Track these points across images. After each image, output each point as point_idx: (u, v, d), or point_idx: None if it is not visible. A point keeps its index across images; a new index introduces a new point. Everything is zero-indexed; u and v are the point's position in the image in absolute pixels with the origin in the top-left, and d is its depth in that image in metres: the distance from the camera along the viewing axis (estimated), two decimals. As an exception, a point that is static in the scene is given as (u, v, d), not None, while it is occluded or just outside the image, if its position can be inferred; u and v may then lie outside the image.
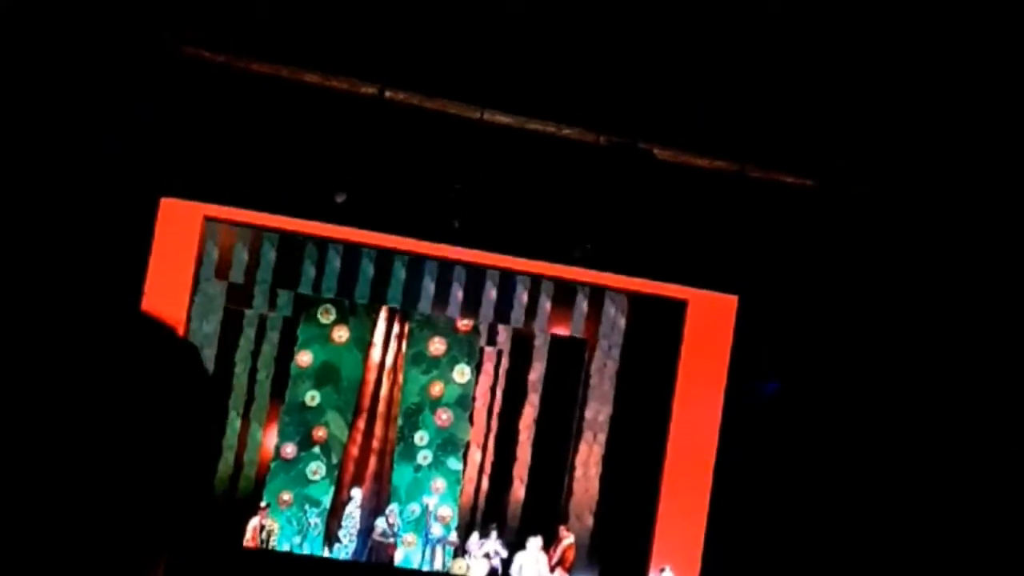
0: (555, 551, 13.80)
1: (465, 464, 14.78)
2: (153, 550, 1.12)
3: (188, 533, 1.15)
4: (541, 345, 14.81)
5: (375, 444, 14.61)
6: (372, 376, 14.60)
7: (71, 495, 1.05)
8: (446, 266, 13.51)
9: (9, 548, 1.04)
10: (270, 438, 14.40)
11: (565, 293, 14.02)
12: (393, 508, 13.96)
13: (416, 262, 13.46)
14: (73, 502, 1.05)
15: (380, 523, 13.81)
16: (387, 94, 10.69)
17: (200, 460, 1.15)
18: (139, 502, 1.09)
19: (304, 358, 14.39)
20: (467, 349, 14.74)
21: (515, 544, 13.95)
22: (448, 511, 14.54)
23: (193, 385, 1.15)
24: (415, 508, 14.44)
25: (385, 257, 13.41)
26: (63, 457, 1.05)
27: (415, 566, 14.12)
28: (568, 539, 13.82)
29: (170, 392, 1.12)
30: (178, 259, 12.08)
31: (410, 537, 14.23)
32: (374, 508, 14.20)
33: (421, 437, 14.61)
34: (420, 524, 14.33)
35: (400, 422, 14.63)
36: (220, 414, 1.17)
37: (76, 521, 1.06)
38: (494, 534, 13.94)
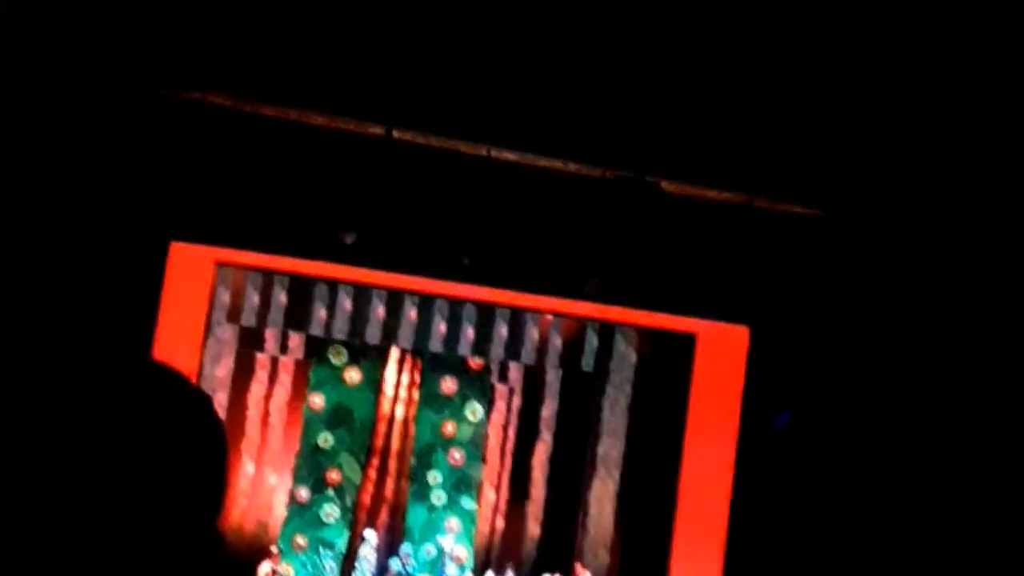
0: (572, 589, 13.72)
1: (479, 503, 14.73)
2: None
3: None
4: (553, 381, 14.79)
5: (388, 485, 14.56)
6: (385, 417, 14.58)
7: (79, 542, 1.05)
8: (456, 304, 13.52)
9: None
10: (284, 482, 14.37)
11: (575, 329, 14.02)
12: (407, 549, 13.90)
13: (426, 301, 13.48)
14: (82, 549, 1.06)
15: (394, 564, 13.74)
16: (394, 134, 10.75)
17: (211, 507, 1.17)
18: (150, 550, 1.10)
19: (317, 400, 14.38)
20: (479, 387, 14.72)
21: (531, 583, 13.88)
22: (463, 551, 14.47)
23: (206, 434, 1.17)
24: (430, 549, 14.37)
25: (395, 297, 13.43)
26: (73, 504, 1.05)
27: (431, 607, 14.05)
28: (584, 576, 13.75)
29: (183, 441, 1.14)
30: (189, 303, 12.11)
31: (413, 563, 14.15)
32: (388, 549, 14.14)
33: (434, 477, 14.56)
34: (436, 565, 14.25)
35: (413, 462, 14.59)
36: (230, 461, 1.15)
37: (87, 569, 1.06)
38: (510, 573, 13.86)
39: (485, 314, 13.71)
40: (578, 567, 13.83)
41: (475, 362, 14.60)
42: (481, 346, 14.01)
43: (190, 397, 1.18)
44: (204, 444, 1.17)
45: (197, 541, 1.14)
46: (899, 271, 11.39)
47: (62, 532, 1.04)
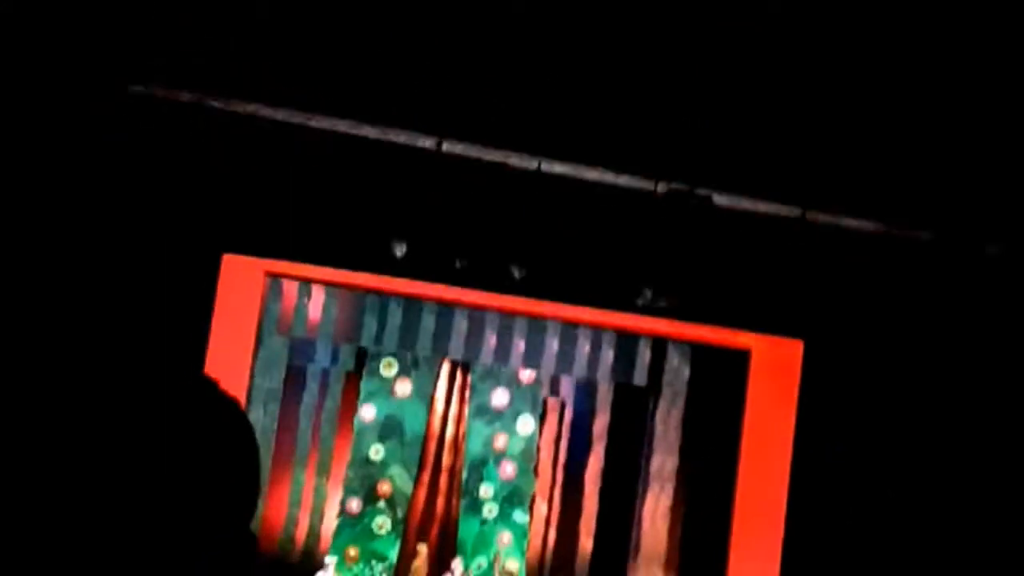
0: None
1: (531, 517, 14.67)
2: None
3: None
4: (605, 395, 14.70)
5: (440, 498, 14.54)
6: (436, 429, 14.57)
7: (113, 543, 1.07)
8: (507, 317, 13.48)
9: None
10: (335, 493, 14.40)
11: (627, 342, 13.93)
12: (458, 561, 13.87)
13: (477, 314, 13.46)
14: (116, 550, 1.07)
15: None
16: (444, 147, 10.73)
17: (242, 510, 1.17)
18: (180, 550, 1.10)
19: (367, 412, 14.40)
20: (530, 400, 14.67)
21: (582, 598, 13.80)
22: (515, 564, 14.42)
23: (235, 436, 1.18)
24: (482, 563, 14.34)
25: (446, 309, 13.42)
26: (105, 506, 1.07)
27: (482, 621, 14.01)
28: (636, 592, 13.64)
29: (213, 445, 1.15)
30: (240, 315, 12.17)
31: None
32: (440, 562, 14.11)
33: (486, 490, 14.53)
34: (487, 577, 14.23)
35: (465, 475, 14.56)
36: (257, 467, 1.17)
37: (120, 570, 1.07)
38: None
39: (536, 327, 13.66)
40: (630, 582, 13.73)
41: (526, 375, 14.56)
42: (532, 359, 13.95)
43: (217, 400, 1.19)
44: (233, 447, 1.18)
45: (229, 542, 1.14)
46: (955, 288, 11.20)
47: (96, 532, 1.07)
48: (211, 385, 1.18)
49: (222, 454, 1.15)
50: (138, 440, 1.09)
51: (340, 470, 14.40)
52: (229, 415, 1.18)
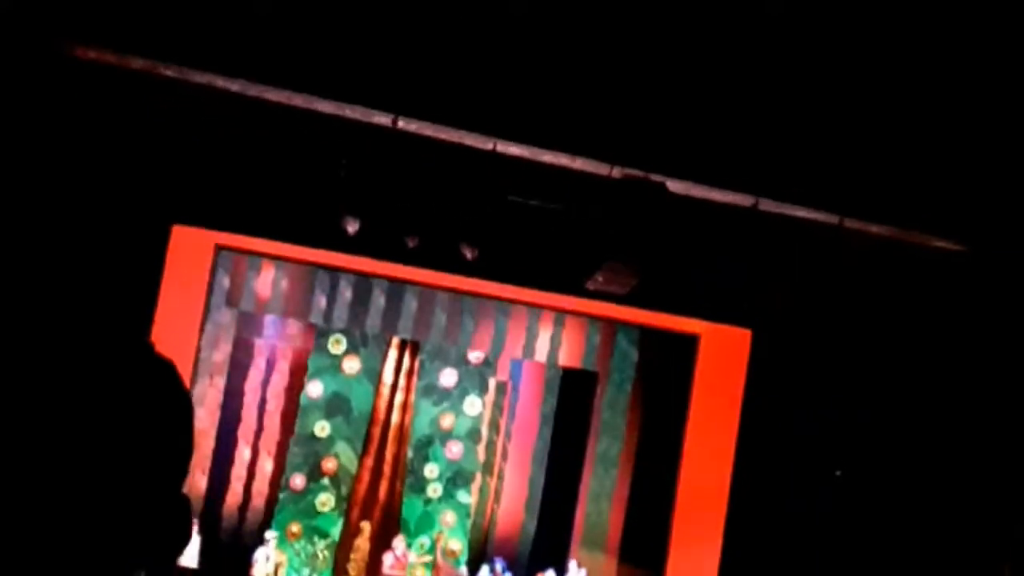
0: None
1: (475, 497, 14.69)
2: (125, 565, 1.13)
3: (163, 551, 1.16)
4: (552, 378, 14.73)
5: (385, 476, 14.52)
6: (383, 407, 14.53)
7: (43, 509, 1.07)
8: (457, 298, 13.46)
9: None
10: (279, 469, 14.33)
11: (577, 326, 13.95)
12: (400, 539, 13.85)
13: (428, 293, 13.42)
14: (46, 515, 1.07)
15: (388, 558, 13.70)
16: (400, 124, 10.65)
17: (174, 471, 1.17)
18: (107, 514, 1.10)
19: (315, 388, 14.33)
20: (478, 381, 14.67)
21: (524, 579, 13.85)
22: (458, 544, 14.44)
23: (165, 399, 1.17)
24: (424, 541, 14.34)
25: (396, 288, 13.36)
26: (36, 466, 1.07)
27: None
28: (580, 573, 13.69)
29: (146, 406, 1.14)
30: (189, 287, 12.05)
31: (419, 571, 14.11)
32: (383, 541, 14.09)
33: (431, 470, 14.53)
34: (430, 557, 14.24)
35: (410, 454, 14.55)
36: (189, 430, 1.20)
37: (50, 537, 1.07)
38: (499, 565, 13.84)
39: (486, 308, 13.64)
40: (573, 564, 13.78)
41: (475, 356, 14.55)
42: (481, 340, 13.94)
43: (152, 361, 1.18)
44: (164, 407, 1.17)
45: (161, 503, 1.15)
46: (902, 278, 11.31)
47: (24, 492, 1.07)
48: (145, 346, 1.18)
49: (153, 414, 1.14)
50: (68, 399, 1.09)
51: (285, 446, 14.34)
52: (161, 375, 1.17)
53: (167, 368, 1.19)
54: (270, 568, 13.37)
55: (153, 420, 1.14)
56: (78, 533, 1.08)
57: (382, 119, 10.63)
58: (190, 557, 12.81)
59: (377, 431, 14.53)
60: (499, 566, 13.81)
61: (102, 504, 1.09)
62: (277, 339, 14.36)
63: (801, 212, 10.94)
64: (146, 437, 1.13)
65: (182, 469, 1.18)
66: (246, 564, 13.26)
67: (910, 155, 10.14)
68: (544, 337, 13.92)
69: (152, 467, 1.14)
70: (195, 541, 12.92)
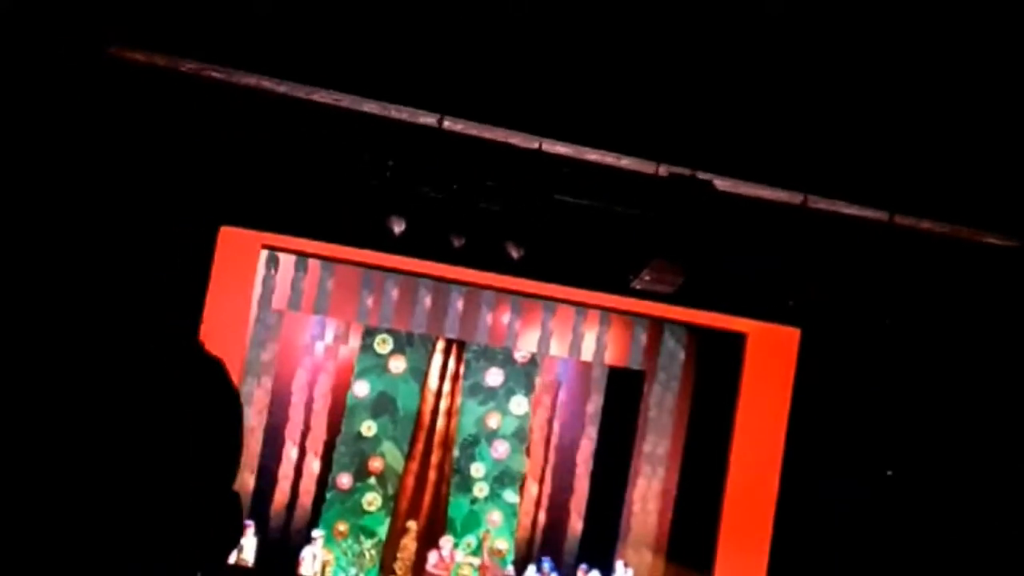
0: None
1: (522, 497, 14.69)
2: (182, 565, 1.14)
3: (215, 549, 1.16)
4: (599, 377, 14.69)
5: (431, 475, 14.54)
6: (429, 407, 14.56)
7: (96, 508, 1.07)
8: (504, 297, 13.45)
9: (27, 554, 1.06)
10: (326, 469, 14.39)
11: (624, 325, 13.91)
12: (447, 539, 13.87)
13: (474, 293, 13.42)
14: (98, 514, 1.07)
15: (432, 556, 13.71)
16: (446, 124, 10.66)
17: (221, 473, 1.17)
18: (159, 513, 1.10)
19: (361, 388, 14.38)
20: (524, 380, 14.66)
21: (571, 579, 13.83)
22: (504, 544, 14.44)
23: (215, 397, 1.17)
24: (471, 541, 14.35)
25: (442, 287, 13.37)
26: (72, 469, 1.07)
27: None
28: (626, 574, 13.65)
29: (191, 404, 1.14)
30: (237, 288, 12.11)
31: (466, 570, 14.12)
32: (430, 540, 14.11)
33: (477, 469, 14.54)
34: (476, 556, 14.24)
35: (456, 453, 14.57)
36: (241, 431, 1.20)
37: (103, 536, 1.08)
38: (547, 565, 13.83)
39: (532, 307, 13.63)
40: (620, 564, 13.74)
41: (521, 355, 14.55)
42: (527, 339, 13.93)
43: (202, 359, 1.18)
44: (217, 406, 1.17)
45: (212, 501, 1.15)
46: (958, 277, 11.18)
47: (77, 490, 1.07)
48: (195, 345, 1.18)
49: (203, 412, 1.14)
50: (120, 398, 1.10)
51: (331, 445, 14.40)
52: (211, 373, 1.17)
53: (217, 366, 1.19)
54: (317, 567, 13.43)
55: (204, 418, 1.15)
56: (131, 532, 1.08)
57: (428, 119, 10.65)
58: (247, 556, 12.93)
59: (423, 431, 14.55)
60: (547, 565, 13.80)
61: (155, 502, 1.10)
62: (324, 339, 14.42)
63: (850, 209, 10.84)
64: (197, 435, 1.14)
65: (233, 467, 1.18)
66: (293, 563, 13.33)
67: (961, 150, 10.03)
68: (590, 336, 13.88)
69: (203, 465, 1.14)
70: (251, 541, 13.03)
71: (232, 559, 12.77)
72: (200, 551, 1.14)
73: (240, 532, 1.20)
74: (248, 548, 13.02)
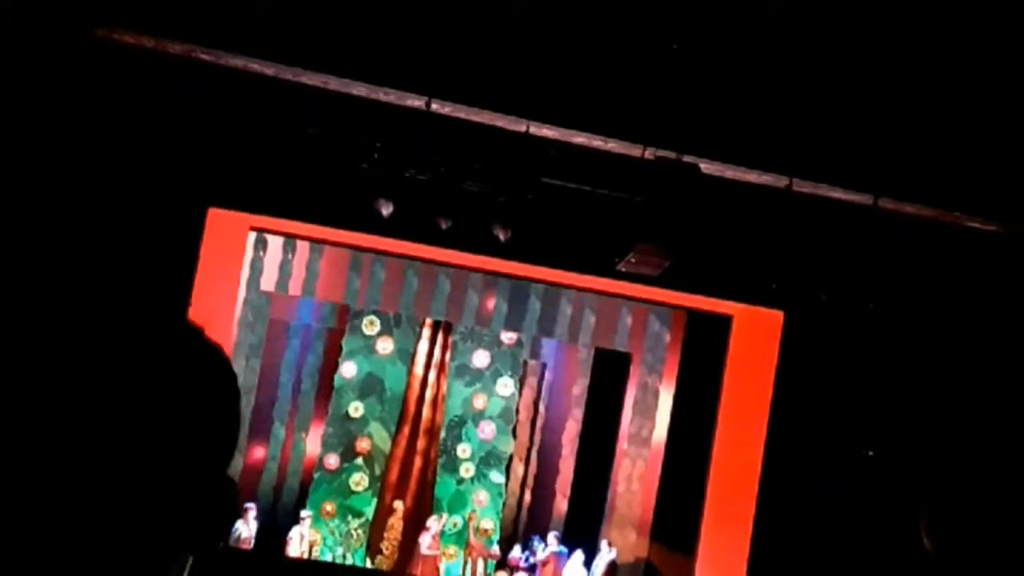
0: (597, 566, 13.74)
1: (508, 477, 14.78)
2: (176, 548, 1.15)
3: (210, 533, 1.17)
4: (585, 359, 14.77)
5: (418, 456, 14.62)
6: (416, 388, 14.63)
7: (90, 489, 1.08)
8: (490, 279, 13.50)
9: (28, 545, 1.07)
10: (314, 449, 14.46)
11: (609, 307, 13.98)
12: (435, 519, 13.94)
13: (460, 275, 13.47)
14: (93, 496, 1.08)
15: (425, 539, 13.78)
16: (433, 106, 10.69)
17: (217, 457, 1.18)
18: (155, 496, 1.11)
19: (348, 369, 14.44)
20: (511, 362, 14.74)
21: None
22: (490, 524, 14.53)
23: (213, 381, 1.19)
24: (457, 521, 14.44)
25: (429, 269, 13.42)
26: (67, 452, 1.08)
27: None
28: (610, 554, 13.76)
29: (189, 388, 1.15)
30: (224, 269, 12.13)
31: (451, 549, 14.22)
32: (417, 520, 14.20)
33: (464, 450, 14.63)
34: (462, 536, 14.33)
35: (443, 434, 14.65)
36: (238, 414, 1.22)
37: (97, 518, 1.08)
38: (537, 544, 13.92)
39: (519, 289, 13.69)
40: (604, 544, 13.85)
41: (508, 337, 14.62)
42: (514, 321, 13.99)
43: (199, 344, 1.19)
44: (213, 390, 1.18)
45: (208, 485, 1.16)
46: (938, 263, 11.26)
47: (76, 473, 1.08)
48: (194, 331, 1.19)
49: (200, 397, 1.15)
50: (119, 382, 1.11)
51: (319, 426, 14.47)
52: (210, 359, 1.19)
53: (215, 351, 1.20)
54: (304, 547, 13.51)
55: (200, 402, 1.16)
56: (126, 515, 1.10)
57: (416, 102, 10.67)
58: (248, 540, 13.01)
59: (410, 411, 14.63)
60: (536, 544, 13.90)
61: (149, 485, 1.10)
62: (311, 320, 14.48)
63: (835, 193, 10.91)
64: (193, 419, 1.14)
65: (228, 451, 1.19)
66: (281, 543, 13.40)
67: (945, 134, 10.10)
68: (576, 318, 13.96)
69: (198, 448, 1.15)
70: (252, 525, 13.11)
71: (232, 541, 12.87)
72: (194, 534, 1.16)
73: (235, 516, 1.21)
74: (247, 530, 13.09)
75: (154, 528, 1.12)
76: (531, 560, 13.81)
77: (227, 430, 1.18)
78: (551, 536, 13.96)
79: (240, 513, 12.93)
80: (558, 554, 13.76)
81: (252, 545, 13.05)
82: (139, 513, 1.10)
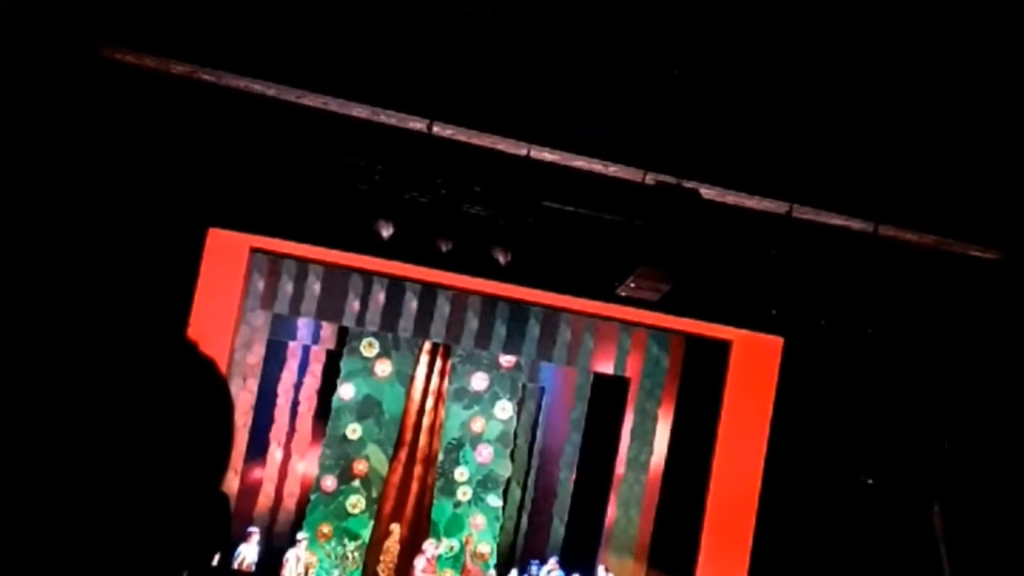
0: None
1: (505, 501, 14.73)
2: (169, 564, 1.14)
3: (202, 550, 1.17)
4: (583, 383, 14.75)
5: (415, 479, 14.58)
6: (414, 410, 14.60)
7: (84, 505, 1.07)
8: (489, 302, 13.50)
9: (23, 557, 1.07)
10: (311, 470, 14.42)
11: (608, 331, 13.97)
12: (431, 543, 13.89)
13: (460, 297, 13.47)
14: (87, 512, 1.08)
15: (419, 562, 13.74)
16: (435, 129, 10.71)
17: (210, 474, 1.17)
18: (148, 513, 1.11)
19: (346, 391, 14.41)
20: (509, 385, 14.72)
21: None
22: (487, 548, 14.48)
23: (206, 399, 1.18)
24: (454, 545, 14.39)
25: (429, 292, 13.42)
26: (62, 465, 1.08)
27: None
28: (607, 580, 13.72)
29: (183, 404, 1.15)
30: (224, 289, 12.14)
31: (448, 573, 14.16)
32: (413, 543, 14.15)
33: (461, 473, 14.58)
34: (459, 560, 14.27)
35: (441, 457, 14.61)
36: (231, 430, 1.21)
37: (90, 534, 1.08)
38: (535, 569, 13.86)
39: (518, 313, 13.68)
40: (601, 569, 13.80)
41: (507, 360, 14.59)
42: (513, 344, 13.98)
43: (195, 360, 1.19)
44: (208, 407, 1.18)
45: (201, 502, 1.16)
46: (943, 289, 11.26)
47: (70, 484, 1.08)
48: (189, 346, 1.19)
49: (194, 413, 1.15)
50: (115, 398, 1.10)
51: (316, 448, 14.43)
52: (205, 375, 1.19)
53: (210, 368, 1.20)
54: (300, 569, 13.45)
55: (194, 418, 1.16)
56: (119, 532, 1.09)
57: (417, 124, 10.69)
58: (250, 562, 13.01)
59: (408, 434, 14.59)
60: (534, 569, 13.85)
61: (143, 501, 1.10)
62: (310, 342, 14.46)
63: (835, 219, 10.92)
64: (187, 435, 1.14)
65: (222, 468, 1.19)
66: (277, 565, 13.35)
67: (946, 162, 10.12)
68: (575, 342, 13.95)
69: (192, 464, 1.15)
70: (254, 546, 13.09)
71: (235, 564, 12.86)
72: (187, 550, 1.15)
73: (228, 533, 1.21)
74: (251, 553, 13.09)
75: (148, 542, 1.11)
76: None
77: (220, 447, 1.18)
78: (552, 561, 13.91)
79: (242, 534, 12.95)
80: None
81: (254, 568, 13.03)
82: (133, 526, 1.10)
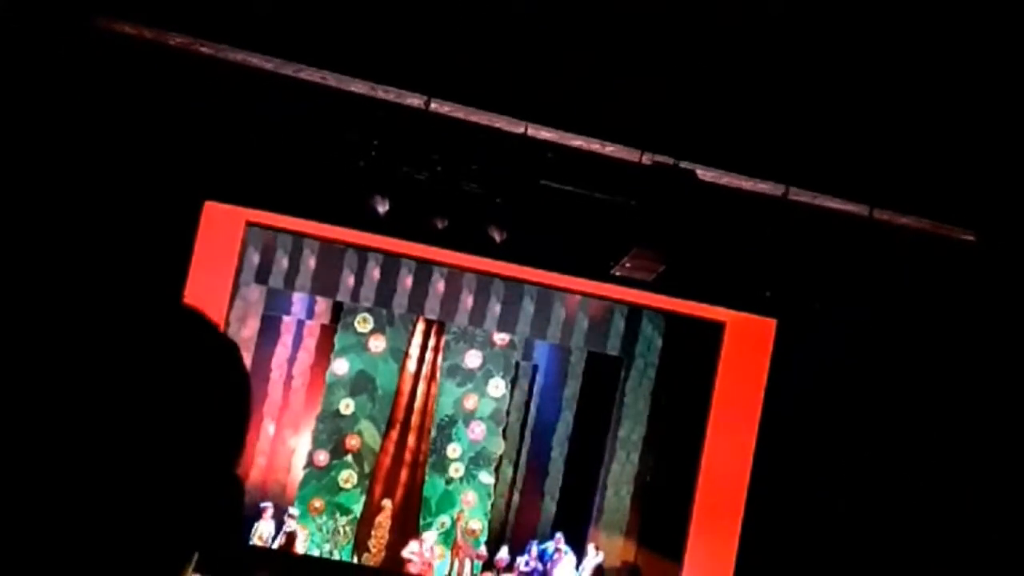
0: (584, 569, 13.74)
1: (497, 478, 14.77)
2: (182, 546, 1.14)
3: (217, 531, 1.16)
4: (577, 362, 14.78)
5: (408, 455, 14.61)
6: (407, 386, 14.62)
7: (98, 486, 1.06)
8: (484, 280, 13.51)
9: (32, 545, 1.06)
10: (303, 445, 14.45)
11: (602, 311, 13.99)
12: (432, 534, 13.94)
13: (455, 275, 13.48)
14: (100, 493, 1.06)
15: (413, 544, 13.75)
16: (432, 106, 10.69)
17: (230, 457, 1.16)
18: (166, 496, 1.10)
19: (340, 366, 14.43)
20: (503, 363, 14.74)
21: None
22: (478, 524, 14.53)
23: (229, 382, 1.17)
24: (445, 521, 14.44)
25: (424, 268, 13.43)
26: (87, 449, 1.06)
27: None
28: (597, 557, 13.76)
29: (204, 388, 1.13)
30: (219, 263, 12.13)
31: (439, 550, 14.21)
32: (404, 519, 14.20)
33: (454, 450, 14.62)
34: (450, 536, 14.32)
35: (433, 434, 14.64)
36: (249, 414, 1.20)
37: (104, 515, 1.07)
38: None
39: (512, 291, 13.70)
40: (592, 547, 13.85)
41: (500, 338, 14.61)
42: (507, 322, 14.00)
43: (216, 341, 1.17)
44: (227, 388, 1.16)
45: (216, 484, 1.14)
46: (931, 272, 11.28)
47: (82, 464, 1.06)
48: (210, 327, 1.17)
49: (212, 394, 1.14)
50: (115, 376, 1.09)
51: (309, 422, 14.46)
52: (225, 357, 1.17)
53: (231, 350, 1.18)
54: (283, 542, 13.50)
55: (212, 399, 1.14)
56: (134, 513, 1.08)
57: (415, 100, 10.68)
58: (267, 538, 13.14)
59: (401, 410, 14.62)
60: (535, 549, 13.88)
61: (158, 482, 1.09)
62: (304, 316, 14.47)
63: (831, 202, 10.93)
64: (204, 416, 1.13)
65: (237, 450, 1.18)
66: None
67: (943, 147, 10.12)
68: (569, 321, 13.97)
69: (208, 446, 1.14)
70: (270, 521, 13.19)
71: (252, 540, 12.94)
72: (201, 532, 1.15)
73: (241, 515, 1.20)
74: (267, 530, 13.18)
75: (162, 523, 1.10)
76: (531, 564, 13.77)
77: (237, 429, 1.17)
78: (558, 536, 13.92)
79: (258, 511, 13.08)
80: (566, 554, 13.78)
81: (271, 543, 13.14)
82: (148, 509, 1.09)
